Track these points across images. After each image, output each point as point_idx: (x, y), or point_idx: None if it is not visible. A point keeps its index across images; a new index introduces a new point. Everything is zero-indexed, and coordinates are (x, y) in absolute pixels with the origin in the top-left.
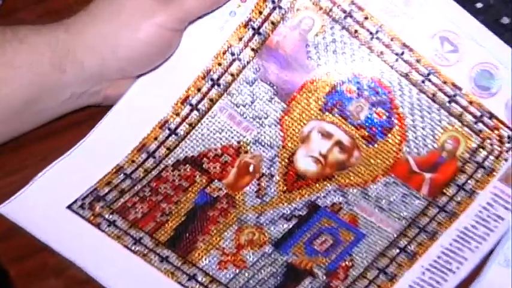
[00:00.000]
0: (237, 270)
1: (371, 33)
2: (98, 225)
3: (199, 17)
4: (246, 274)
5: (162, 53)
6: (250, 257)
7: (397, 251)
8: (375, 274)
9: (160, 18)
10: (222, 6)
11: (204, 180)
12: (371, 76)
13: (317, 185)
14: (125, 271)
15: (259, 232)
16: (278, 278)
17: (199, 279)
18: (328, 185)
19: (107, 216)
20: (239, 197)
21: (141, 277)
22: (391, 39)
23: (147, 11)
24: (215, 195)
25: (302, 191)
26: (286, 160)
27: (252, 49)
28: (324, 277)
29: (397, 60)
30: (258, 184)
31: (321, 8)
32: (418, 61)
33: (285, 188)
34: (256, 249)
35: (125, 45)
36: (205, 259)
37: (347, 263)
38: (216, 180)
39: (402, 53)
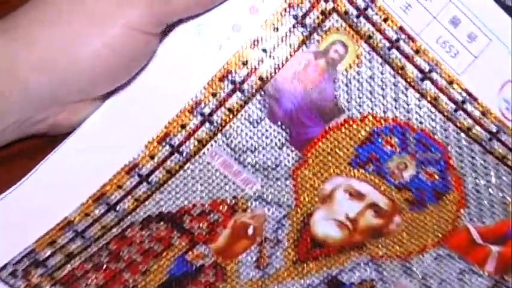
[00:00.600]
0: None
1: (423, 72)
2: None
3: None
4: None
5: (132, 65)
6: None
7: None
8: None
9: (131, 18)
10: (221, 15)
11: (184, 244)
12: (420, 128)
13: (341, 255)
14: None
15: None
16: None
17: None
18: (357, 255)
19: None
20: (232, 268)
21: None
22: (449, 83)
23: (112, 9)
24: (199, 264)
25: (320, 262)
26: (300, 222)
27: (261, 78)
28: None
29: (456, 110)
30: (259, 251)
31: (358, 32)
32: (483, 114)
33: (296, 257)
34: None
35: (84, 57)
36: None
37: None
38: (200, 244)
39: (463, 102)
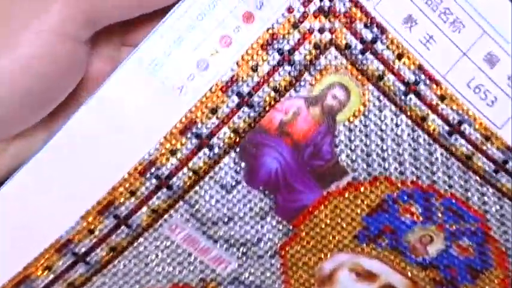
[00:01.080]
0: None
1: (450, 124)
2: None
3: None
4: None
5: (57, 85)
6: None
7: None
8: None
9: (48, 18)
10: (183, 48)
11: None
12: (449, 192)
13: None
14: None
15: None
16: None
17: None
18: None
19: None
20: None
21: None
22: (486, 138)
23: (26, 10)
24: None
25: None
26: None
27: (235, 131)
28: None
29: (496, 171)
30: None
31: (364, 73)
32: None
33: None
34: None
35: None
36: None
37: None
38: None
39: (505, 162)
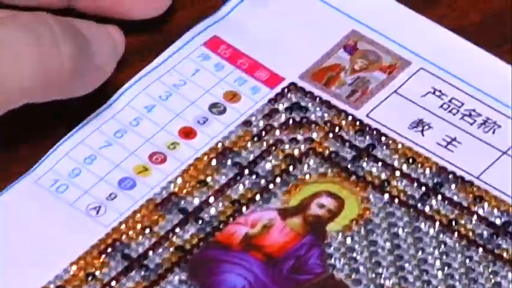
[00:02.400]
0: None
1: (494, 225)
2: None
3: None
4: None
5: None
6: None
7: None
8: None
9: None
10: (100, 166)
11: None
12: None
13: None
14: None
15: None
16: None
17: None
18: None
19: None
20: None
21: None
22: None
23: None
24: None
25: None
26: None
27: (180, 249)
28: None
29: None
30: None
31: (361, 180)
32: None
33: None
34: None
35: None
36: None
37: None
38: None
39: None
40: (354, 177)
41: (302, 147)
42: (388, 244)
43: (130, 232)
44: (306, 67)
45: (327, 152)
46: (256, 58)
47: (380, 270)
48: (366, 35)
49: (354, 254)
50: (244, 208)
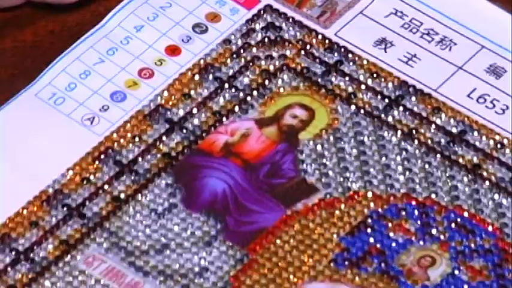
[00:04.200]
0: None
1: (450, 134)
2: None
3: None
4: None
5: None
6: None
7: None
8: None
9: None
10: (92, 79)
11: None
12: (453, 205)
13: None
14: None
15: None
16: None
17: None
18: None
19: None
20: None
21: None
22: (499, 145)
23: None
24: None
25: None
26: None
27: (166, 155)
28: None
29: None
30: None
31: (330, 93)
32: None
33: None
34: None
35: None
36: None
37: None
38: None
39: None
40: (323, 90)
41: (277, 63)
42: (354, 151)
43: (122, 140)
44: None
45: (299, 67)
46: None
47: (347, 174)
48: None
49: (324, 160)
50: (224, 118)
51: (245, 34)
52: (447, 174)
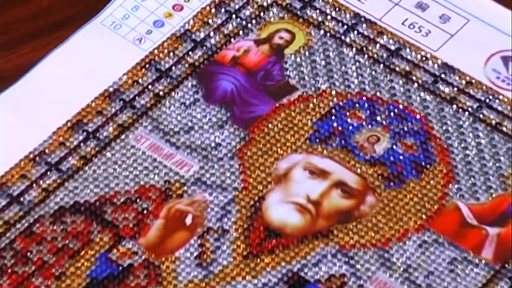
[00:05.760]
0: None
1: (389, 50)
2: None
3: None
4: None
5: None
6: None
7: None
8: None
9: None
10: (140, 13)
11: (107, 239)
12: (392, 100)
13: (302, 246)
14: None
15: None
16: None
17: None
18: (323, 245)
19: None
20: (168, 267)
21: None
22: (424, 58)
23: None
24: (126, 264)
25: (277, 256)
26: (250, 208)
27: (191, 65)
28: None
29: (435, 82)
30: (201, 245)
31: (306, 21)
32: (469, 83)
33: (247, 250)
34: None
35: None
36: None
37: None
38: (127, 239)
39: (443, 74)
40: (301, 19)
41: (269, 1)
42: (323, 62)
43: (161, 54)
44: None
45: (285, 3)
46: None
47: (318, 78)
48: None
49: (302, 68)
50: (232, 39)
51: None
52: (388, 79)
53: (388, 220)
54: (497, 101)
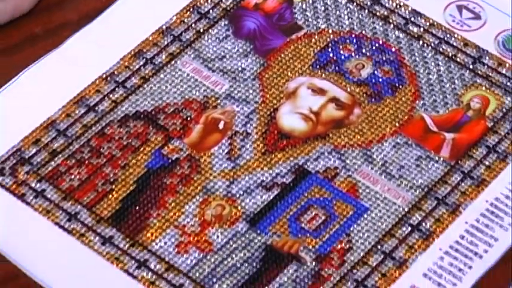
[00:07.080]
0: (201, 255)
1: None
2: (21, 196)
3: None
4: (213, 260)
5: None
6: (218, 237)
7: (409, 229)
8: (379, 259)
9: None
10: None
11: (160, 139)
12: (374, 37)
13: (306, 145)
14: (56, 256)
15: (231, 205)
16: (254, 264)
17: (152, 266)
18: (321, 145)
19: (33, 184)
20: (205, 160)
21: (76, 263)
22: (398, 6)
23: None
24: (174, 158)
25: (287, 153)
26: (267, 116)
27: (224, 9)
28: (313, 263)
29: (406, 24)
30: (230, 143)
31: None
32: (432, 25)
33: (264, 148)
34: (226, 228)
35: None
36: (160, 240)
37: (343, 244)
38: (175, 139)
39: (412, 17)
40: None
41: None
42: (323, 8)
43: (201, 0)
44: None
45: None
46: None
47: (319, 20)
48: None
49: (306, 13)
50: None
51: None
52: (371, 21)
53: (370, 127)
54: (453, 38)
